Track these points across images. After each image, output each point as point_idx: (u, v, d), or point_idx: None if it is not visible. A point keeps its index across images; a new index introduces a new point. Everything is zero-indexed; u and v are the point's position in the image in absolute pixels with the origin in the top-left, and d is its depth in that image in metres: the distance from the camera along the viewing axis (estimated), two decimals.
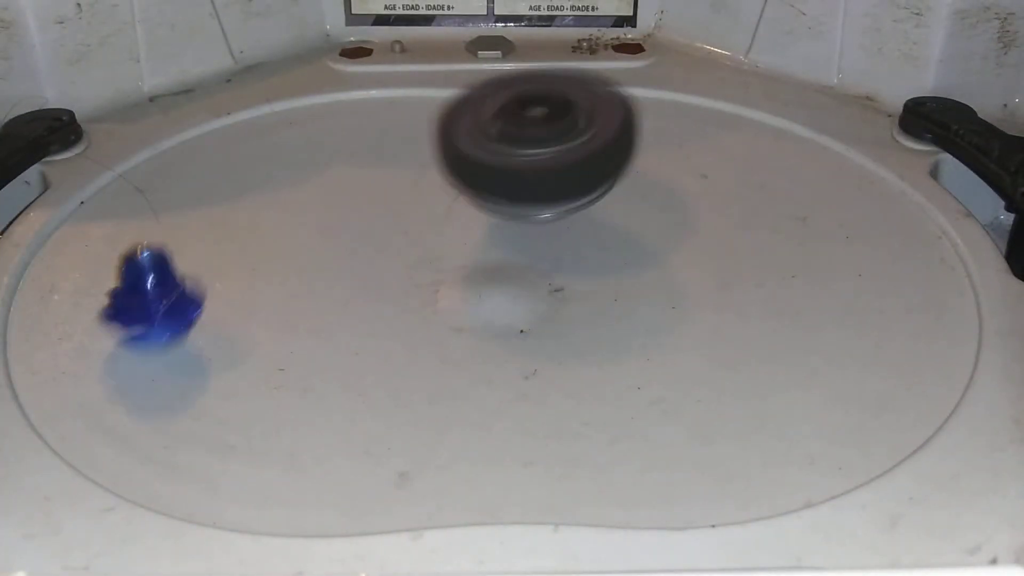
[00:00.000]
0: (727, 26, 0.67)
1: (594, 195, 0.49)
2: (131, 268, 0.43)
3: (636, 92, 0.63)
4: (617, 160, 0.49)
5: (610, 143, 0.48)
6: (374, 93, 0.65)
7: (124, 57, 0.63)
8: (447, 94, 0.63)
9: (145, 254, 0.43)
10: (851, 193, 0.55)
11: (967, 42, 0.60)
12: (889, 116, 0.60)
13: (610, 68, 0.67)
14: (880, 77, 0.62)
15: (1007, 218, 0.55)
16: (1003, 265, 0.49)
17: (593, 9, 0.70)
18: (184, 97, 0.64)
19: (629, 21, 0.70)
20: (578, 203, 0.49)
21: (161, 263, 0.43)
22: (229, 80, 0.66)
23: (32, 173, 0.56)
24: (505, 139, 0.47)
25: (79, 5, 0.60)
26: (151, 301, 0.43)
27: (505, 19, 0.70)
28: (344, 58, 0.67)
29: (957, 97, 0.60)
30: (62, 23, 0.60)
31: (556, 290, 0.48)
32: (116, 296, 0.43)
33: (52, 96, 0.60)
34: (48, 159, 0.57)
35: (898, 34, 0.61)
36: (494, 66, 0.67)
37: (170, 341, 0.44)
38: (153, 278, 0.43)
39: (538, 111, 0.48)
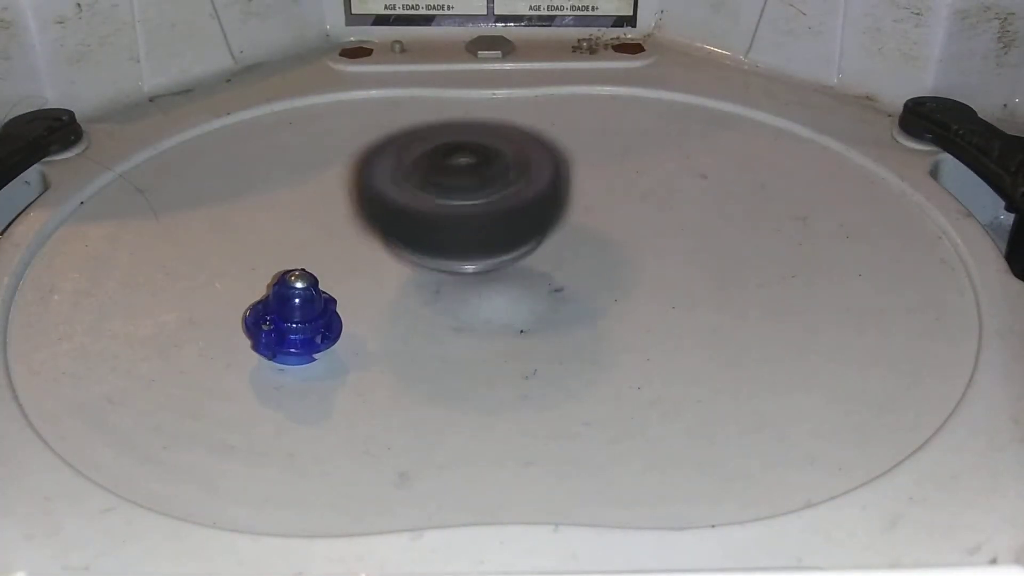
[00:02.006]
0: (727, 26, 0.67)
1: (521, 250, 0.46)
2: (291, 295, 0.43)
3: (636, 92, 0.64)
4: (546, 215, 0.46)
5: (539, 196, 0.45)
6: (374, 93, 0.65)
7: (124, 57, 0.63)
8: (447, 94, 0.64)
9: (300, 285, 0.43)
10: (851, 193, 0.55)
11: (967, 42, 0.60)
12: (889, 116, 0.60)
13: (610, 68, 0.67)
14: (880, 77, 0.62)
15: (1007, 218, 0.55)
16: (1003, 265, 0.49)
17: (593, 9, 0.70)
18: (184, 97, 0.64)
19: (629, 21, 0.70)
20: (502, 257, 0.46)
21: (314, 285, 0.43)
22: (229, 80, 0.66)
23: (32, 173, 0.56)
24: (428, 186, 0.44)
25: (79, 5, 0.61)
26: (310, 328, 0.43)
27: (505, 19, 0.70)
28: (344, 58, 0.67)
29: (957, 97, 0.60)
30: (62, 23, 0.60)
31: (556, 290, 0.48)
32: (275, 323, 0.43)
33: (52, 96, 0.60)
34: (48, 159, 0.57)
35: (898, 34, 0.61)
36: (494, 66, 0.67)
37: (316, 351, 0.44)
38: (310, 305, 0.43)
39: (465, 160, 0.45)
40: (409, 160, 0.46)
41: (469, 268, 0.46)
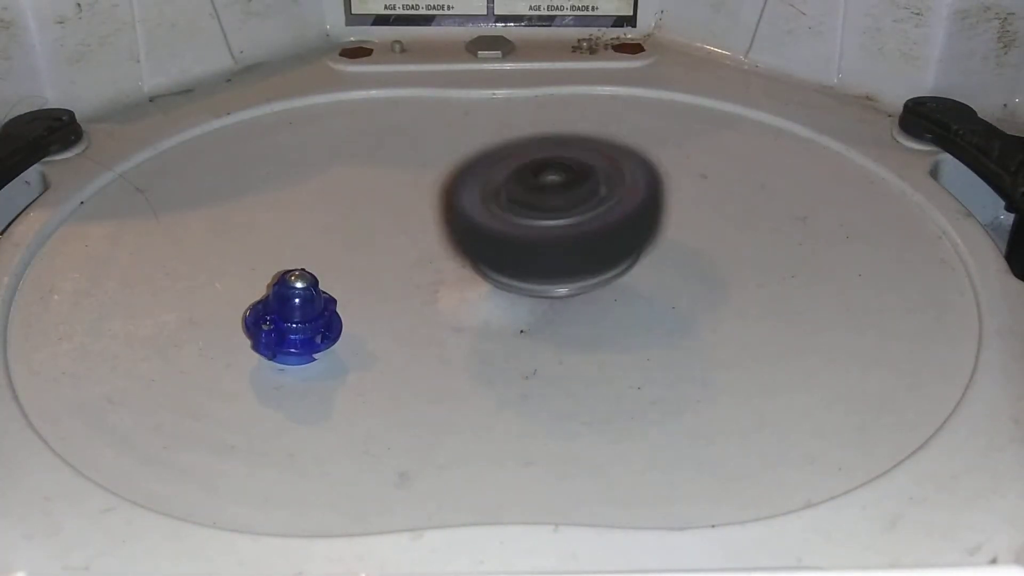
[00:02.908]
0: (727, 26, 0.67)
1: (618, 270, 0.45)
2: (291, 295, 0.43)
3: (636, 92, 0.64)
4: (643, 232, 0.44)
5: (635, 213, 0.43)
6: (374, 93, 0.65)
7: (124, 57, 0.63)
8: (447, 94, 0.64)
9: (300, 285, 0.43)
10: (851, 193, 0.55)
11: (967, 42, 0.60)
12: (889, 116, 0.60)
13: (610, 68, 0.67)
14: (880, 77, 0.62)
15: (1007, 218, 0.55)
16: (1003, 265, 0.49)
17: (593, 9, 0.70)
18: (184, 97, 0.64)
19: (629, 21, 0.70)
20: (599, 278, 0.45)
21: (314, 285, 0.43)
22: (229, 80, 0.66)
23: (32, 173, 0.56)
24: (518, 207, 0.43)
25: (79, 5, 0.61)
26: (310, 328, 0.43)
27: (505, 19, 0.70)
28: (344, 58, 0.67)
29: (957, 97, 0.60)
30: (62, 23, 0.60)
31: None
32: (275, 323, 0.43)
33: (52, 96, 0.60)
34: (48, 159, 0.57)
35: (898, 34, 0.61)
36: (494, 66, 0.67)
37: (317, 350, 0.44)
38: (310, 305, 0.43)
39: (555, 177, 0.44)
40: (498, 180, 0.45)
41: (561, 291, 0.46)
